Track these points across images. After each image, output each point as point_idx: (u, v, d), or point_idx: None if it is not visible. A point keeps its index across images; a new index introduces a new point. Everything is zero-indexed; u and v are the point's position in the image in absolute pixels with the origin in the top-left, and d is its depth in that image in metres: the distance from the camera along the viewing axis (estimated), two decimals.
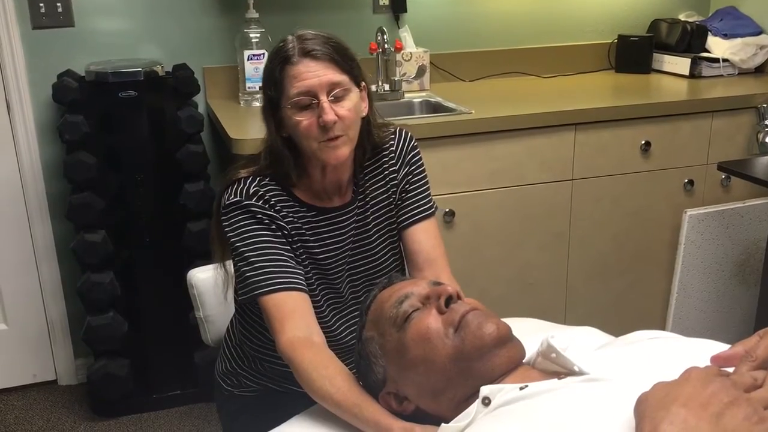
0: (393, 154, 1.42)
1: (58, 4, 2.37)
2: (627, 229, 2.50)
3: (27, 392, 2.68)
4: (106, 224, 2.34)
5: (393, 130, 1.44)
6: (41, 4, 2.36)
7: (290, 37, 1.28)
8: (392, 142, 1.43)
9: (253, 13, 2.41)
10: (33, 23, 2.38)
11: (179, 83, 2.36)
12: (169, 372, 2.51)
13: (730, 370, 0.76)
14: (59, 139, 2.31)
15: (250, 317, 1.42)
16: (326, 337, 1.29)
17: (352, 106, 1.28)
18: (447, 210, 2.26)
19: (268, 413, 1.39)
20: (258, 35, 2.39)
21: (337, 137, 1.26)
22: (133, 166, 2.33)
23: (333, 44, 1.28)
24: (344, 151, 1.28)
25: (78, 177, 2.29)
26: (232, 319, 1.55)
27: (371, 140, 1.38)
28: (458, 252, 2.29)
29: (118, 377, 2.40)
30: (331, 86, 1.25)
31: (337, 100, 1.26)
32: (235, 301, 1.46)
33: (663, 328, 2.60)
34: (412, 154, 1.44)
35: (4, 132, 2.44)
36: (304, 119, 1.26)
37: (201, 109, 2.53)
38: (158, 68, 2.33)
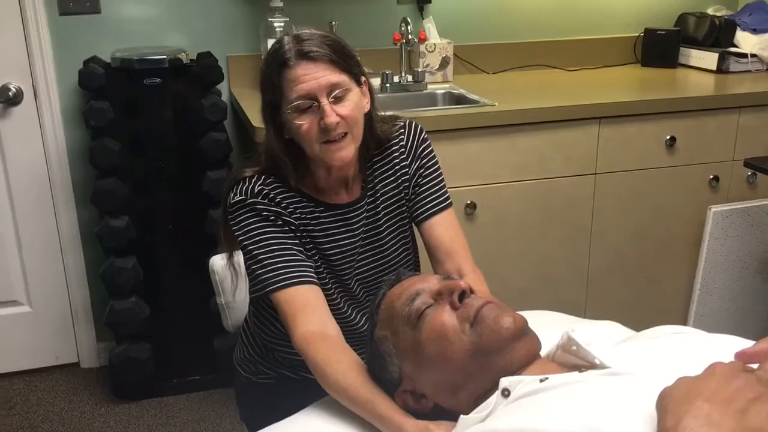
0: (403, 149, 1.41)
1: None
2: (650, 224, 2.48)
3: (50, 374, 2.72)
4: (129, 210, 2.36)
5: (402, 123, 1.43)
6: None
7: (286, 38, 1.26)
8: (401, 136, 1.41)
9: (277, 2, 2.41)
10: (60, 9, 2.40)
11: (203, 71, 2.37)
12: (189, 357, 2.54)
13: (755, 366, 0.75)
14: (85, 125, 2.33)
15: (264, 309, 1.43)
16: (343, 325, 1.29)
17: (353, 105, 1.26)
18: (468, 202, 2.25)
19: (285, 400, 1.40)
20: (282, 24, 2.39)
21: (341, 138, 1.25)
22: (157, 152, 2.35)
23: (330, 43, 1.25)
24: (349, 151, 1.27)
25: (103, 163, 2.31)
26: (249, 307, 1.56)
27: (374, 135, 1.36)
28: (479, 244, 2.28)
29: (139, 361, 2.43)
30: (331, 87, 1.23)
31: (337, 100, 1.24)
32: (250, 294, 1.47)
33: (684, 324, 2.58)
34: (423, 147, 1.43)
35: (30, 118, 2.47)
36: (305, 122, 1.24)
37: (224, 97, 2.54)
38: (183, 56, 2.34)
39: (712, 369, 0.71)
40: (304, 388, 1.33)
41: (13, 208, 2.54)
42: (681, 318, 2.60)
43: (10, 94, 2.41)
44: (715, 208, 2.46)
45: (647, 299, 2.57)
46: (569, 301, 2.46)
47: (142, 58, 2.27)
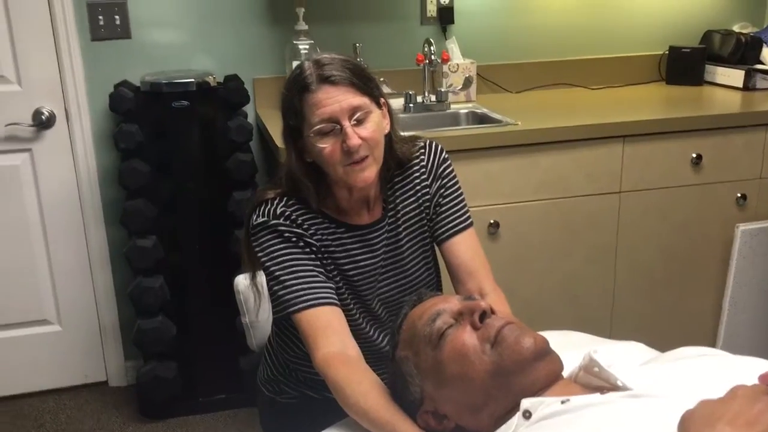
0: (424, 169, 1.42)
1: (116, 17, 2.46)
2: (676, 243, 2.46)
3: (79, 392, 2.76)
4: (157, 230, 2.40)
5: (422, 144, 1.44)
6: (100, 17, 2.44)
7: (307, 64, 1.27)
8: (422, 156, 1.42)
9: (302, 25, 2.45)
10: (92, 35, 2.47)
11: (230, 93, 2.42)
12: (215, 376, 2.56)
13: None
14: (115, 148, 2.38)
15: (287, 329, 1.44)
16: (365, 346, 1.30)
17: (374, 126, 1.27)
18: (492, 221, 2.26)
19: (308, 420, 1.41)
20: (307, 46, 2.43)
21: (362, 159, 1.26)
22: (184, 173, 2.39)
23: (350, 67, 1.27)
24: (371, 172, 1.28)
25: (132, 184, 2.36)
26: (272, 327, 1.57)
27: (394, 156, 1.38)
28: (502, 264, 2.28)
29: (165, 380, 2.46)
30: (353, 110, 1.25)
31: (359, 122, 1.26)
32: (272, 315, 1.48)
33: (713, 345, 2.54)
34: (444, 166, 1.43)
35: (62, 140, 2.53)
36: (328, 146, 1.25)
37: (250, 118, 2.58)
38: (210, 79, 2.39)
39: (734, 392, 0.71)
40: (327, 408, 1.33)
41: (44, 229, 2.59)
42: (709, 338, 2.57)
43: (43, 117, 2.47)
44: (742, 227, 2.43)
45: (674, 319, 2.54)
46: (594, 320, 2.44)
47: (171, 82, 2.32)
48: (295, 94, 1.27)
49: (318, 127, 1.25)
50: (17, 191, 2.53)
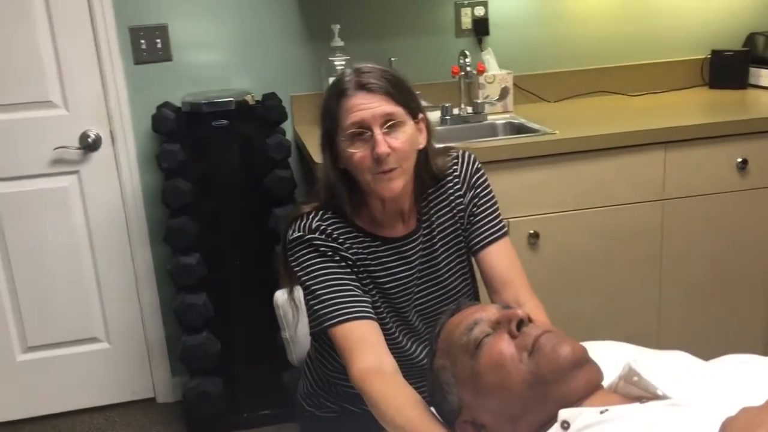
0: (457, 179, 1.42)
1: (158, 41, 2.52)
2: (723, 251, 2.39)
3: (128, 409, 2.81)
4: (200, 247, 2.44)
5: (455, 154, 1.44)
6: (142, 41, 2.51)
7: (348, 71, 1.31)
8: (455, 167, 1.43)
9: (338, 42, 2.48)
10: (135, 59, 2.54)
11: (268, 112, 2.45)
12: (260, 391, 2.58)
13: None
14: (158, 168, 2.44)
15: (325, 343, 1.45)
16: (402, 359, 1.30)
17: (406, 138, 1.28)
18: (532, 232, 2.23)
19: None
20: (343, 63, 2.46)
21: (391, 170, 1.27)
22: (225, 191, 2.43)
23: (389, 77, 1.29)
24: (398, 183, 1.28)
25: (175, 202, 2.40)
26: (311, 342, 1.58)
27: (429, 171, 1.38)
28: (544, 275, 2.25)
29: (211, 395, 2.48)
30: (385, 118, 1.26)
31: (391, 132, 1.27)
32: (309, 329, 1.49)
33: (764, 354, 2.46)
34: (477, 176, 1.43)
35: (108, 162, 2.60)
36: (358, 151, 1.27)
37: (289, 135, 2.61)
38: (249, 98, 2.43)
39: None
40: (368, 422, 1.33)
41: (92, 248, 2.66)
42: (760, 348, 2.49)
43: (89, 140, 2.54)
44: None
45: (723, 330, 2.46)
46: (640, 333, 2.38)
47: (210, 102, 2.37)
48: (332, 98, 1.30)
49: (349, 131, 1.27)
50: (66, 212, 2.61)
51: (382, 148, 1.25)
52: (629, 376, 0.94)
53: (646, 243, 2.34)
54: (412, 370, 1.35)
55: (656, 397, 0.90)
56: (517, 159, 2.18)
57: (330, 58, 2.48)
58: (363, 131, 1.26)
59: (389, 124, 1.26)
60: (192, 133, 2.40)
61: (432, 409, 1.14)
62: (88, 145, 2.55)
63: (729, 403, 0.75)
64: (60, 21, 2.45)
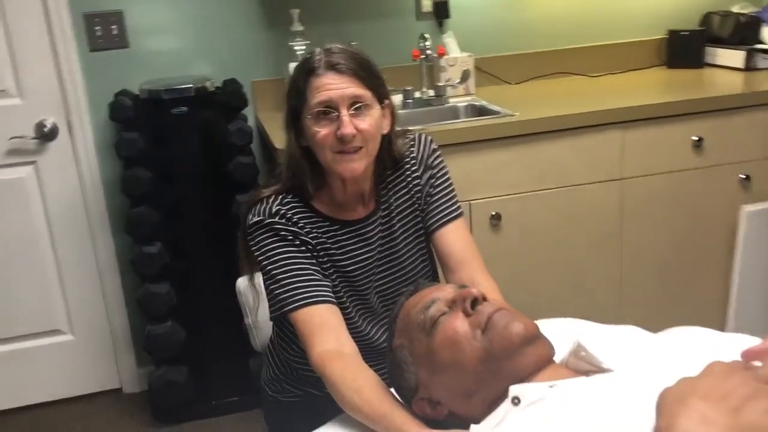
0: (414, 161, 1.43)
1: (113, 27, 2.48)
2: (681, 228, 2.44)
3: (94, 400, 2.78)
4: (162, 236, 2.42)
5: (412, 137, 1.45)
6: (97, 28, 2.47)
7: (318, 50, 1.31)
8: (413, 149, 1.44)
9: (298, 26, 2.46)
10: (90, 46, 2.49)
11: (228, 97, 2.43)
12: (226, 378, 2.58)
13: (759, 364, 0.74)
14: (117, 156, 2.41)
15: (287, 328, 1.45)
16: (362, 342, 1.30)
17: (372, 121, 1.29)
18: (493, 213, 2.25)
19: (312, 418, 1.41)
20: (303, 47, 2.44)
21: (355, 150, 1.28)
22: (187, 179, 2.41)
23: (359, 59, 1.30)
24: (360, 165, 1.29)
25: (135, 191, 2.38)
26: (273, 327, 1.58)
27: (391, 155, 1.39)
28: (506, 255, 2.28)
29: (177, 384, 2.48)
30: (353, 100, 1.27)
31: (357, 114, 1.27)
32: (270, 314, 1.50)
33: (722, 328, 2.52)
34: (433, 157, 1.45)
35: (66, 151, 2.56)
36: (323, 130, 1.27)
37: (250, 121, 2.59)
38: (208, 84, 2.41)
39: (711, 368, 0.71)
40: (330, 406, 1.34)
41: (52, 239, 2.62)
42: (719, 322, 2.55)
43: (45, 130, 2.50)
44: (748, 208, 2.41)
45: (683, 304, 2.52)
46: (602, 309, 2.42)
47: (169, 89, 2.34)
48: (301, 75, 1.30)
49: (316, 109, 1.27)
50: (24, 203, 2.56)
51: (348, 129, 1.25)
52: (578, 351, 0.96)
53: (606, 222, 2.37)
54: (371, 354, 1.36)
55: (601, 370, 0.92)
56: (479, 141, 2.20)
57: (290, 43, 2.46)
58: (329, 110, 1.27)
59: (356, 106, 1.27)
60: (151, 121, 2.37)
61: (392, 390, 1.15)
62: (45, 135, 2.51)
63: (668, 374, 0.77)
64: (11, 7, 2.40)
